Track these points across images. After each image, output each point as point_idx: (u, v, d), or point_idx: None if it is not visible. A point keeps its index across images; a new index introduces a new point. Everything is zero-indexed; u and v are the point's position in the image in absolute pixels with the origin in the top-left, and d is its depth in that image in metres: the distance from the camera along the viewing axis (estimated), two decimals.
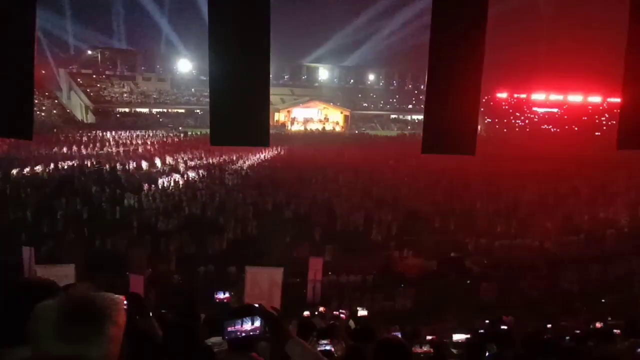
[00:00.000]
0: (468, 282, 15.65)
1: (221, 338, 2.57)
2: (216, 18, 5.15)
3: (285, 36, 67.72)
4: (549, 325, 10.00)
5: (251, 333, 2.72)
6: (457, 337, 6.28)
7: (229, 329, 2.69)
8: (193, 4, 67.28)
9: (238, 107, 5.57)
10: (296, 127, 68.62)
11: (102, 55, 70.36)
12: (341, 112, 73.67)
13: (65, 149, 37.05)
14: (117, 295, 1.59)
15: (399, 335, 5.74)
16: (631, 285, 15.22)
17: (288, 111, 71.24)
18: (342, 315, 9.90)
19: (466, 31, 5.55)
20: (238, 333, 2.70)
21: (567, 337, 6.88)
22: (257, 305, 2.84)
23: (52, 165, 29.38)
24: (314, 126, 69.57)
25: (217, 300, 6.40)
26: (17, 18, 4.10)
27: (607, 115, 72.64)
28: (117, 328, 1.52)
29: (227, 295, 6.42)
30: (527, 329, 7.73)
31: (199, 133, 52.24)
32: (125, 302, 1.58)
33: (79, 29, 69.96)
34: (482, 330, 7.92)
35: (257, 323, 2.72)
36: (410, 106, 78.27)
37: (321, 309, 10.96)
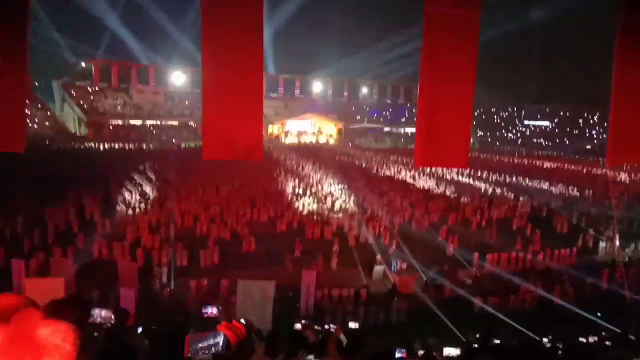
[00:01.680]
0: (461, 294, 15.63)
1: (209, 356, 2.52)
2: (209, 31, 5.18)
3: (279, 48, 68.31)
4: (544, 339, 9.99)
5: (213, 348, 2.65)
6: (449, 351, 6.24)
7: (195, 346, 2.62)
8: (187, 17, 67.59)
9: (231, 120, 5.58)
10: (290, 140, 68.78)
11: (96, 67, 70.35)
12: (335, 125, 73.99)
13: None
14: (64, 325, 1.54)
15: (393, 350, 5.71)
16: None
17: (282, 123, 71.46)
18: (332, 329, 9.84)
19: (458, 45, 5.62)
20: (202, 351, 2.64)
21: (560, 350, 6.87)
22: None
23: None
24: (307, 139, 69.77)
25: (205, 315, 6.35)
26: (9, 28, 4.09)
27: None
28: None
29: (214, 310, 6.36)
30: (520, 342, 7.72)
31: (193, 146, 52.26)
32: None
33: (73, 40, 69.89)
34: (475, 345, 7.90)
35: (220, 339, 2.66)
36: (403, 119, 78.79)
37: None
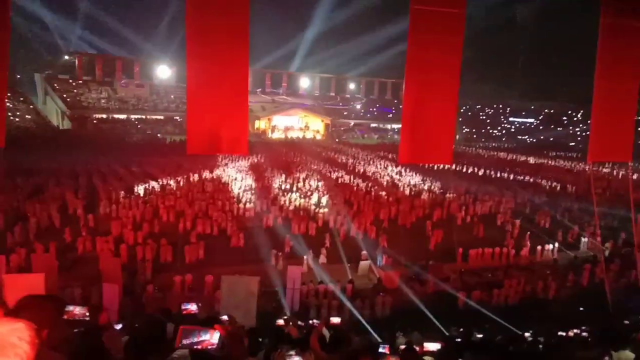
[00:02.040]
0: (446, 290, 15.77)
1: (187, 351, 2.50)
2: (195, 24, 5.12)
3: (266, 44, 67.93)
4: (527, 334, 10.12)
5: (208, 347, 2.64)
6: (429, 346, 6.27)
7: (186, 340, 2.60)
8: (173, 10, 66.93)
9: (216, 114, 5.53)
10: (277, 135, 68.58)
11: (79, 60, 69.27)
12: (322, 121, 73.95)
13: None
14: (22, 324, 1.53)
15: (376, 343, 5.73)
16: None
17: (269, 119, 71.19)
18: (316, 324, 9.84)
19: (443, 43, 5.65)
20: (196, 345, 2.62)
21: (541, 345, 6.97)
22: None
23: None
24: (294, 134, 69.62)
25: (184, 312, 6.32)
26: None
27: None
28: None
29: (194, 307, 6.34)
30: (502, 337, 7.80)
31: (177, 140, 51.82)
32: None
33: (56, 33, 68.77)
34: (458, 339, 7.97)
35: (215, 339, 2.64)
36: (390, 115, 79.06)
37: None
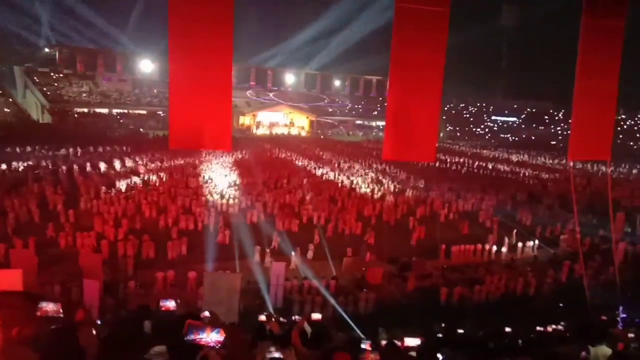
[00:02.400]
0: (428, 285, 15.90)
1: (165, 347, 2.50)
2: (177, 17, 5.04)
3: (250, 39, 67.47)
4: (507, 329, 10.26)
5: (211, 344, 2.67)
6: (410, 341, 6.32)
7: (192, 335, 2.62)
8: (157, 2, 65.99)
9: (199, 109, 5.47)
10: (261, 131, 68.33)
11: (60, 53, 68.02)
12: (307, 117, 73.90)
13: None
14: None
15: (358, 339, 5.75)
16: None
17: (253, 115, 70.89)
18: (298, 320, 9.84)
19: (428, 41, 5.66)
20: (196, 340, 2.63)
21: (520, 340, 7.07)
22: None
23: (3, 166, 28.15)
24: (279, 130, 69.45)
25: (163, 309, 6.30)
26: None
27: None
28: None
29: (172, 303, 6.33)
30: (483, 332, 7.90)
31: (160, 135, 51.31)
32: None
33: (36, 25, 67.32)
34: (440, 335, 8.05)
35: (217, 338, 2.67)
36: (375, 112, 79.32)
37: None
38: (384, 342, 5.67)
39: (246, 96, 73.63)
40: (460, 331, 8.13)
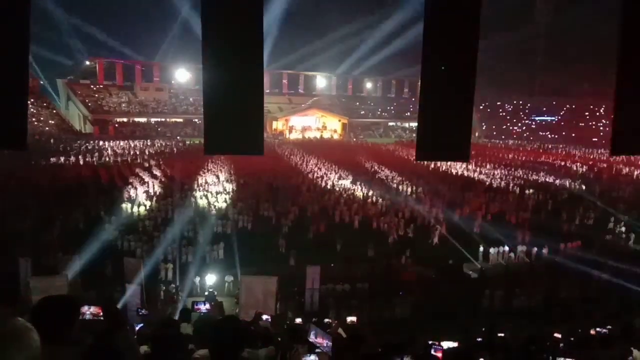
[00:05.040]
0: (466, 289, 15.59)
1: (207, 351, 2.51)
2: (209, 27, 5.16)
3: (283, 45, 68.05)
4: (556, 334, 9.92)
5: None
6: (448, 345, 6.20)
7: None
8: (190, 14, 67.55)
9: (232, 115, 5.56)
10: (294, 135, 68.71)
11: (100, 65, 70.53)
12: (339, 120, 73.85)
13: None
14: (23, 322, 1.64)
15: (393, 344, 5.68)
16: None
17: (286, 119, 71.37)
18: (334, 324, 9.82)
19: (459, 38, 5.57)
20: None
21: (562, 344, 6.84)
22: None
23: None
24: (312, 134, 69.67)
25: (197, 311, 6.50)
26: (10, 26, 4.10)
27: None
28: (26, 352, 1.56)
29: (207, 306, 6.51)
30: (525, 337, 7.67)
31: (197, 142, 52.30)
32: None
33: (77, 39, 69.96)
34: (479, 339, 7.86)
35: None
36: (408, 114, 78.55)
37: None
38: (419, 349, 5.57)
39: (278, 101, 74.24)
40: (501, 335, 7.93)
